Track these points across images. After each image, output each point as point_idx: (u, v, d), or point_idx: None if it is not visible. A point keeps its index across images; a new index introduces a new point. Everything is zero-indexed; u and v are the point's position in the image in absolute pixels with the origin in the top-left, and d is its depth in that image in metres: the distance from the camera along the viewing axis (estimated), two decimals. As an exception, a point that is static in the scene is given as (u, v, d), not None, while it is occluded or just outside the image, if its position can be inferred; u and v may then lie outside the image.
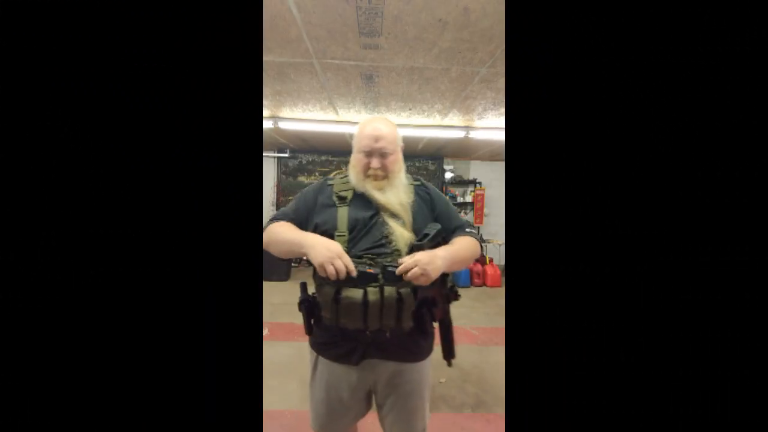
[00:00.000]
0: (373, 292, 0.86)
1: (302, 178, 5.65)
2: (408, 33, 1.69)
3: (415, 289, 0.89)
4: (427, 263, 0.84)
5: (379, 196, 0.97)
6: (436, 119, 3.28)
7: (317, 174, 5.64)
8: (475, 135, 3.65)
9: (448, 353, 1.03)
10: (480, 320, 3.50)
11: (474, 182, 5.45)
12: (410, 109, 3.00)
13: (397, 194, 0.98)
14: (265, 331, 2.97)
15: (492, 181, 5.47)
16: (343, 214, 0.97)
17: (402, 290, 0.87)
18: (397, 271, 0.84)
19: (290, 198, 5.58)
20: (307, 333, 1.01)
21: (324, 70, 2.18)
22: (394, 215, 0.96)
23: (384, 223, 0.94)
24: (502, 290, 4.69)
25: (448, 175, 5.38)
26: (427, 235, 0.92)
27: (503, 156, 5.09)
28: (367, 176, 0.99)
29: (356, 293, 0.86)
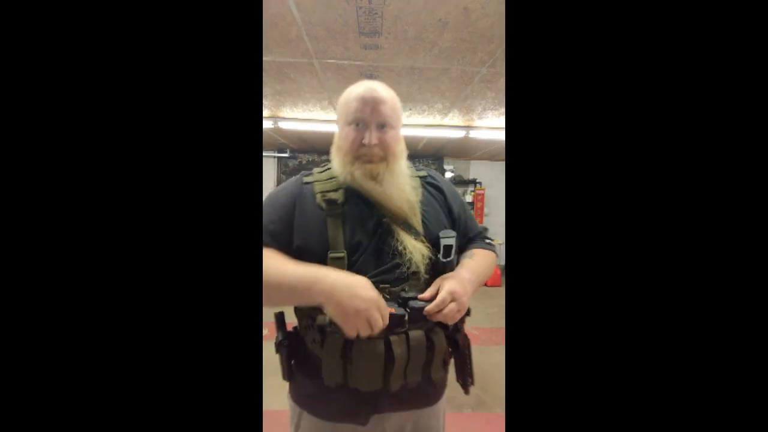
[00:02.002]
0: (397, 342, 0.62)
1: (302, 178, 5.65)
2: (408, 33, 1.69)
3: (446, 326, 0.68)
4: (462, 294, 0.63)
5: (376, 190, 0.69)
6: (436, 119, 3.28)
7: (317, 174, 5.62)
8: (475, 135, 3.65)
9: (468, 380, 0.76)
10: (480, 320, 3.50)
11: (474, 182, 5.45)
12: (410, 109, 3.00)
13: (399, 188, 0.70)
14: (265, 331, 2.97)
15: (492, 181, 5.47)
16: (335, 226, 0.67)
17: (432, 332, 0.65)
18: (427, 309, 0.62)
19: (290, 198, 5.57)
20: (286, 379, 0.75)
21: (324, 69, 2.18)
22: (401, 221, 0.69)
23: (392, 235, 0.68)
24: (502, 290, 4.69)
25: (448, 175, 5.38)
26: (449, 248, 0.68)
27: (503, 156, 5.09)
28: (357, 157, 0.70)
29: (376, 346, 0.61)
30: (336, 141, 0.75)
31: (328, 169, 0.76)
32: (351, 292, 0.57)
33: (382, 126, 0.70)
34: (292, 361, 0.74)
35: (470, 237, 0.81)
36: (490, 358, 2.56)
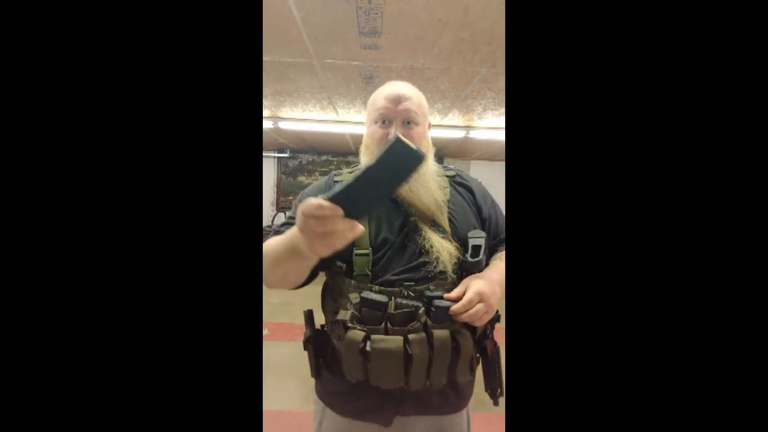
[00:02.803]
0: (417, 341, 0.61)
1: (302, 178, 5.66)
2: (408, 33, 1.69)
3: (474, 329, 0.66)
4: (490, 296, 0.62)
5: (403, 188, 0.68)
6: (436, 119, 3.28)
7: (317, 174, 5.63)
8: (475, 135, 3.64)
9: (497, 390, 0.75)
10: (480, 320, 3.49)
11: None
12: (410, 109, 2.99)
13: (426, 187, 0.70)
14: (265, 331, 2.97)
15: (492, 181, 5.46)
16: (361, 222, 0.67)
17: (458, 333, 0.63)
18: (453, 309, 0.60)
19: (290, 198, 5.58)
20: (314, 377, 0.76)
21: (324, 70, 2.18)
22: (428, 219, 0.69)
23: (418, 233, 0.68)
24: (502, 290, 4.67)
25: (448, 175, 5.37)
26: (478, 248, 0.67)
27: (503, 156, 5.09)
28: None
29: (393, 342, 0.60)
30: (364, 140, 0.76)
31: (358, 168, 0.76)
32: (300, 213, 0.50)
33: (408, 122, 0.71)
34: (320, 359, 0.74)
35: (501, 238, 0.79)
36: (490, 358, 2.55)
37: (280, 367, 2.37)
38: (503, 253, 0.75)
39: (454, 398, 0.73)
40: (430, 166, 0.75)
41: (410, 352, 0.60)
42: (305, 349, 0.75)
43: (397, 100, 0.71)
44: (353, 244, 0.66)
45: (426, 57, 1.95)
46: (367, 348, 0.61)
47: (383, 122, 0.72)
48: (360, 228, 0.50)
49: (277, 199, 5.63)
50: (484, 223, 0.76)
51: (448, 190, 0.76)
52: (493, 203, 0.81)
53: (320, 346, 0.74)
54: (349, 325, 0.63)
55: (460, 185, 0.79)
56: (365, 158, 0.75)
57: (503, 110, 2.94)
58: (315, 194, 0.69)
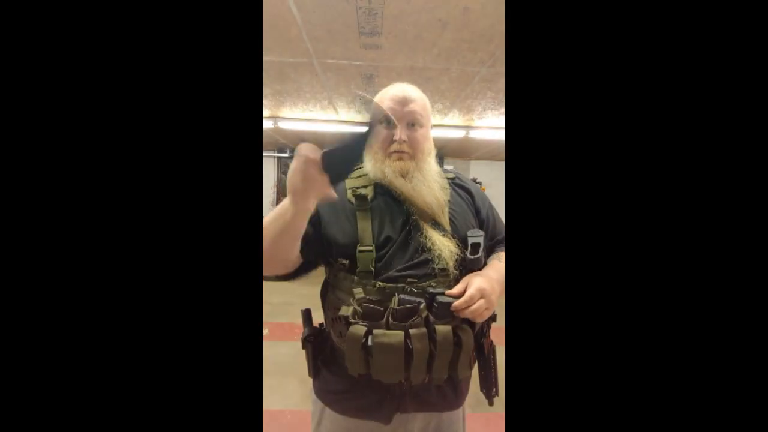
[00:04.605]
0: (418, 336, 0.62)
1: (302, 178, 5.65)
2: (408, 33, 1.69)
3: (473, 326, 0.68)
4: (491, 293, 0.64)
5: (405, 186, 0.71)
6: (436, 119, 3.28)
7: (317, 174, 5.63)
8: (475, 135, 3.64)
9: (492, 390, 0.76)
10: (480, 320, 3.48)
11: (474, 182, 5.44)
12: (410, 109, 2.99)
13: (428, 186, 0.73)
14: (265, 331, 2.97)
15: (492, 181, 5.47)
16: (364, 220, 0.71)
17: (459, 329, 0.65)
18: (455, 305, 0.62)
19: (290, 198, 5.58)
20: (311, 376, 0.77)
21: (324, 70, 2.18)
22: (429, 218, 0.71)
23: (420, 231, 0.70)
24: (502, 290, 4.67)
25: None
26: (477, 246, 0.70)
27: (503, 156, 5.10)
28: (388, 155, 0.74)
29: (394, 337, 0.62)
30: (368, 140, 0.77)
31: (360, 167, 0.79)
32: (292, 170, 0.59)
33: (412, 125, 0.74)
34: (319, 358, 0.76)
35: (498, 239, 0.81)
36: (490, 358, 2.55)
37: (279, 367, 2.37)
38: (501, 253, 0.78)
39: (452, 396, 0.75)
40: (433, 167, 0.77)
41: (411, 347, 0.62)
42: (304, 347, 0.76)
43: (403, 102, 0.73)
44: (357, 241, 0.69)
45: (426, 57, 1.95)
46: (369, 343, 0.62)
47: (388, 123, 0.74)
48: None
49: (277, 199, 5.63)
50: (482, 225, 0.79)
51: (448, 191, 0.78)
52: (491, 206, 0.84)
53: (319, 344, 0.76)
54: (351, 320, 0.64)
55: (459, 187, 0.82)
56: (369, 157, 0.76)
57: (503, 110, 2.94)
58: None
